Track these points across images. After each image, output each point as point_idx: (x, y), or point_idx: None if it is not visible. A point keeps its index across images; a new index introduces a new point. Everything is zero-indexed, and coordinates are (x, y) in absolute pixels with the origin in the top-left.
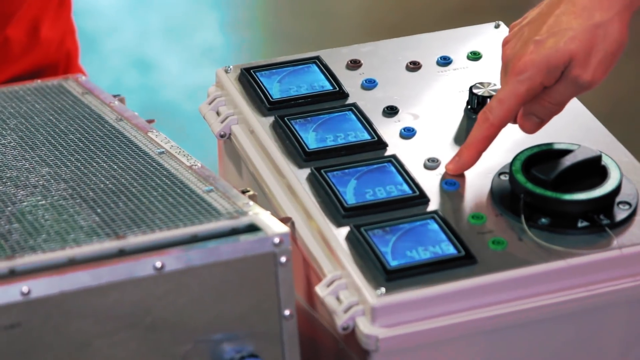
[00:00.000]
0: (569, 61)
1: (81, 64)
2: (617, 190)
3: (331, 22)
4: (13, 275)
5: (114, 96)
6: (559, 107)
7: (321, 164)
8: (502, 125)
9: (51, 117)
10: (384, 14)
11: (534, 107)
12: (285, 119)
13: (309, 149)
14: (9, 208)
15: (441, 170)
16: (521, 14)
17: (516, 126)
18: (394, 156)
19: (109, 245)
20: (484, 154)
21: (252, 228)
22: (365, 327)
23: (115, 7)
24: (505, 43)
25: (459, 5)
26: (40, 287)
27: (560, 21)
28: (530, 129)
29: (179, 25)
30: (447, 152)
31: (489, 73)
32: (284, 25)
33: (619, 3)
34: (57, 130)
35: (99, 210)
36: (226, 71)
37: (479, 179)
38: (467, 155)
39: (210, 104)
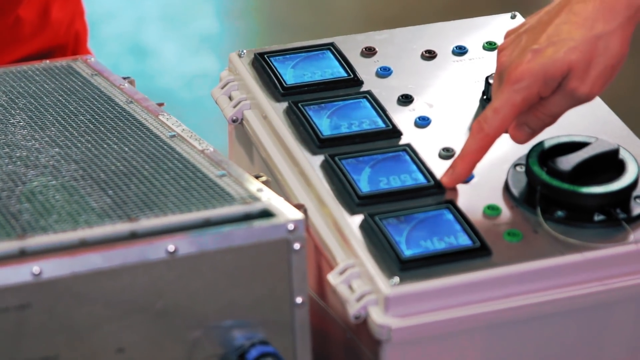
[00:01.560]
0: (567, 72)
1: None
2: (634, 184)
3: (327, 12)
4: (24, 255)
5: (124, 78)
6: (553, 119)
7: (335, 151)
8: (497, 135)
9: (60, 98)
10: (381, 6)
11: (528, 118)
12: (299, 105)
13: (323, 135)
14: (19, 187)
15: None
16: (518, 8)
17: None
18: (408, 145)
19: (121, 227)
20: (500, 145)
21: (266, 214)
22: (378, 316)
23: None
24: (500, 50)
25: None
26: (51, 267)
27: (560, 30)
28: (521, 139)
29: (175, 13)
30: (462, 142)
31: None
32: (280, 14)
33: (621, 15)
34: (66, 110)
35: (110, 192)
36: (239, 55)
37: (495, 170)
38: (462, 167)
39: (222, 88)
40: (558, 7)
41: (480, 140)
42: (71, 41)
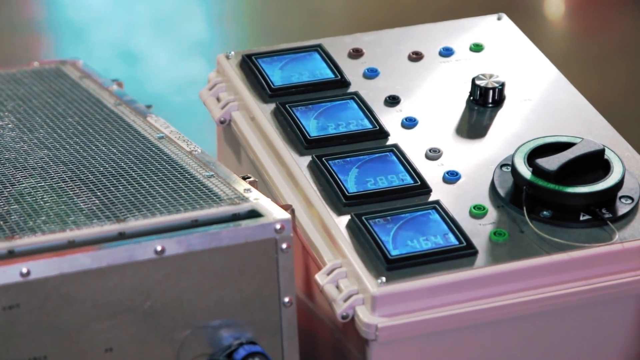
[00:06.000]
0: None
1: (68, 54)
2: (619, 184)
3: (318, 18)
4: (12, 255)
5: (112, 81)
6: None
7: (322, 152)
8: None
9: (49, 100)
10: (372, 12)
11: None
12: (287, 106)
13: (310, 136)
14: (8, 189)
15: (443, 160)
16: (511, 13)
17: (519, 118)
18: (395, 145)
19: (109, 228)
20: (487, 146)
21: (254, 214)
22: (364, 316)
23: None
24: None
25: (449, 4)
26: (40, 268)
27: None
28: None
29: (166, 18)
30: (448, 143)
31: (490, 65)
32: (271, 19)
33: None
34: (55, 113)
35: (98, 194)
36: (227, 57)
37: (481, 171)
38: None
39: (210, 89)
40: None
41: None
42: None
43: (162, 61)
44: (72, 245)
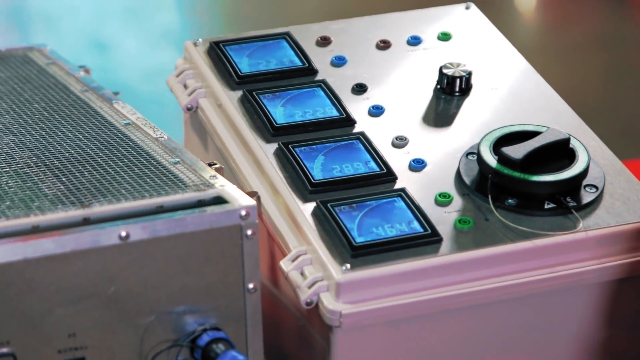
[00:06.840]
0: None
1: (38, 42)
2: (584, 173)
3: (292, 8)
4: None
5: (80, 67)
6: None
7: (289, 139)
8: None
9: (15, 86)
10: (347, 3)
11: None
12: (254, 93)
13: (277, 123)
14: None
15: (409, 148)
16: (484, 6)
17: (486, 107)
18: (362, 133)
19: (74, 213)
20: (453, 134)
21: (219, 200)
22: (329, 302)
23: None
24: None
25: None
26: (3, 253)
27: None
28: None
29: (137, 7)
30: (415, 131)
31: (458, 53)
32: (244, 9)
33: None
34: (21, 99)
35: (63, 179)
36: (195, 44)
37: (447, 159)
38: None
39: (177, 76)
40: None
41: None
42: None
43: (132, 50)
44: (36, 231)
